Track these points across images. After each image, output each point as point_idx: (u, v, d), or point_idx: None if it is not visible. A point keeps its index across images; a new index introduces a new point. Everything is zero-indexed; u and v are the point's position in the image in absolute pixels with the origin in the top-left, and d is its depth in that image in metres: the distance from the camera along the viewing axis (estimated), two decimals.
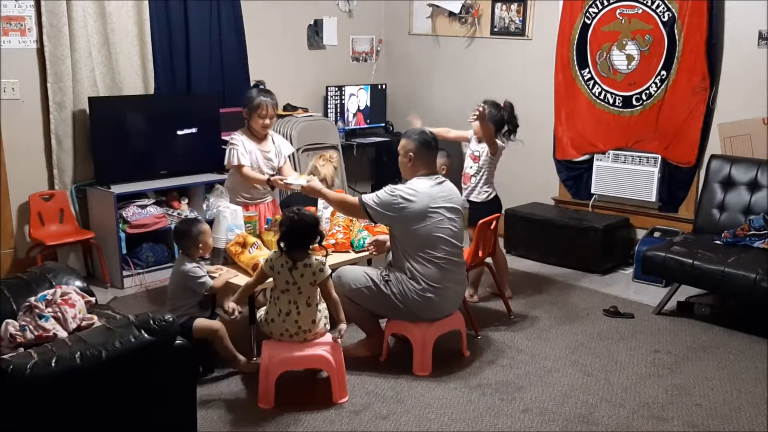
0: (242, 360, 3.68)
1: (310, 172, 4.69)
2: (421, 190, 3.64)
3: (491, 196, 4.56)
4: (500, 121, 4.47)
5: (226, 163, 4.40)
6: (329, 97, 6.34)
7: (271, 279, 3.42)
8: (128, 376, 2.52)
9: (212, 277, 3.69)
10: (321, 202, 4.29)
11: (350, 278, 3.73)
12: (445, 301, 3.72)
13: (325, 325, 3.44)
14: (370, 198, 3.67)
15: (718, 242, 4.52)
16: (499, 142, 4.46)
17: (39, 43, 4.74)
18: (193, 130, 5.33)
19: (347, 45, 6.68)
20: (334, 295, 3.45)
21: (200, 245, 3.69)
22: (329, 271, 3.41)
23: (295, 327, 3.35)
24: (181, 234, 3.78)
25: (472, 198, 4.57)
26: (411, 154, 3.73)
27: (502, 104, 4.52)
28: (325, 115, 6.31)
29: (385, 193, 3.64)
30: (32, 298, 3.02)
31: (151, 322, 2.55)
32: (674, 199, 5.31)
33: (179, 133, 5.28)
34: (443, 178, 3.83)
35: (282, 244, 3.33)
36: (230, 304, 3.46)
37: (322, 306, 3.44)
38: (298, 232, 3.33)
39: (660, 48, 5.17)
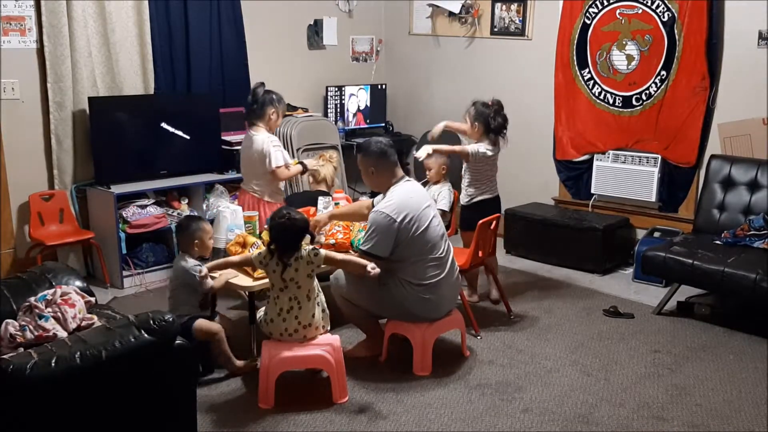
0: (238, 363, 3.68)
1: (311, 173, 4.70)
2: (402, 200, 3.59)
3: (473, 200, 4.50)
4: (487, 120, 4.41)
5: (275, 165, 4.44)
6: (329, 97, 6.34)
7: (268, 279, 3.42)
8: (128, 376, 2.52)
9: (212, 278, 3.68)
10: (321, 203, 4.29)
11: (348, 280, 3.72)
12: (443, 300, 3.72)
13: (323, 319, 3.43)
14: (364, 244, 3.60)
15: (718, 242, 4.52)
16: (475, 148, 4.37)
17: (39, 43, 4.74)
18: (189, 136, 5.34)
19: (347, 45, 6.68)
20: (340, 256, 3.49)
21: (196, 242, 3.66)
22: (323, 251, 3.40)
23: (295, 324, 3.34)
24: (180, 229, 3.80)
25: (461, 200, 4.59)
26: (372, 168, 3.69)
27: (490, 102, 4.48)
28: (325, 115, 6.31)
29: (375, 224, 3.56)
30: (32, 298, 3.02)
31: (151, 322, 2.55)
32: (674, 199, 5.31)
33: (178, 132, 5.27)
34: (409, 178, 3.79)
35: (272, 247, 3.32)
36: (204, 269, 3.49)
37: (321, 299, 3.44)
38: (290, 235, 3.32)
39: (660, 48, 5.17)
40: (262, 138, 4.48)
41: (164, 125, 5.20)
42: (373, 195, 4.09)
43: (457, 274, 3.85)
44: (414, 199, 3.63)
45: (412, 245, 3.58)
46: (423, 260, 3.61)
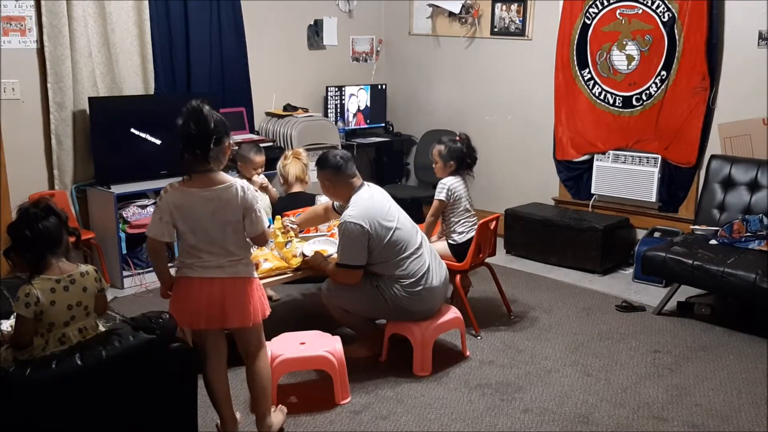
0: None
1: (282, 176, 4.58)
2: (365, 205, 3.62)
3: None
4: (459, 154, 4.27)
5: None
6: (329, 97, 6.34)
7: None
8: (128, 375, 2.52)
9: None
10: (321, 200, 4.28)
11: (343, 290, 3.72)
12: (435, 290, 3.73)
13: None
14: (339, 255, 3.64)
15: (714, 242, 4.52)
16: (445, 193, 4.23)
17: (39, 43, 4.74)
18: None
19: (347, 45, 6.67)
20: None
21: None
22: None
23: None
24: None
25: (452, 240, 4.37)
26: (327, 182, 3.73)
27: (458, 137, 4.36)
28: (325, 115, 6.31)
29: (345, 235, 3.57)
30: None
31: (151, 321, 2.55)
32: (674, 200, 5.31)
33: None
34: (369, 183, 3.80)
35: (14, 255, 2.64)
36: None
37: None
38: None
39: (660, 48, 5.17)
40: None
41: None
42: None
43: (438, 261, 3.84)
44: (376, 202, 3.68)
45: (388, 246, 3.60)
46: (404, 256, 3.64)
